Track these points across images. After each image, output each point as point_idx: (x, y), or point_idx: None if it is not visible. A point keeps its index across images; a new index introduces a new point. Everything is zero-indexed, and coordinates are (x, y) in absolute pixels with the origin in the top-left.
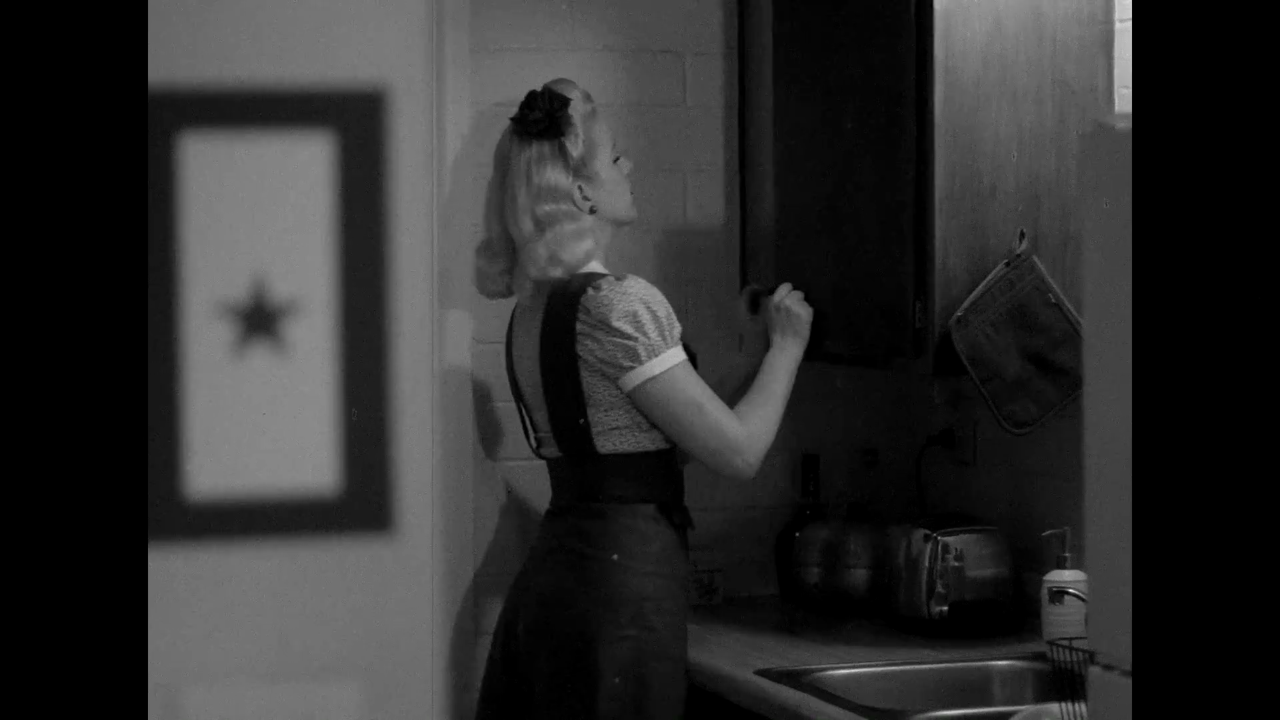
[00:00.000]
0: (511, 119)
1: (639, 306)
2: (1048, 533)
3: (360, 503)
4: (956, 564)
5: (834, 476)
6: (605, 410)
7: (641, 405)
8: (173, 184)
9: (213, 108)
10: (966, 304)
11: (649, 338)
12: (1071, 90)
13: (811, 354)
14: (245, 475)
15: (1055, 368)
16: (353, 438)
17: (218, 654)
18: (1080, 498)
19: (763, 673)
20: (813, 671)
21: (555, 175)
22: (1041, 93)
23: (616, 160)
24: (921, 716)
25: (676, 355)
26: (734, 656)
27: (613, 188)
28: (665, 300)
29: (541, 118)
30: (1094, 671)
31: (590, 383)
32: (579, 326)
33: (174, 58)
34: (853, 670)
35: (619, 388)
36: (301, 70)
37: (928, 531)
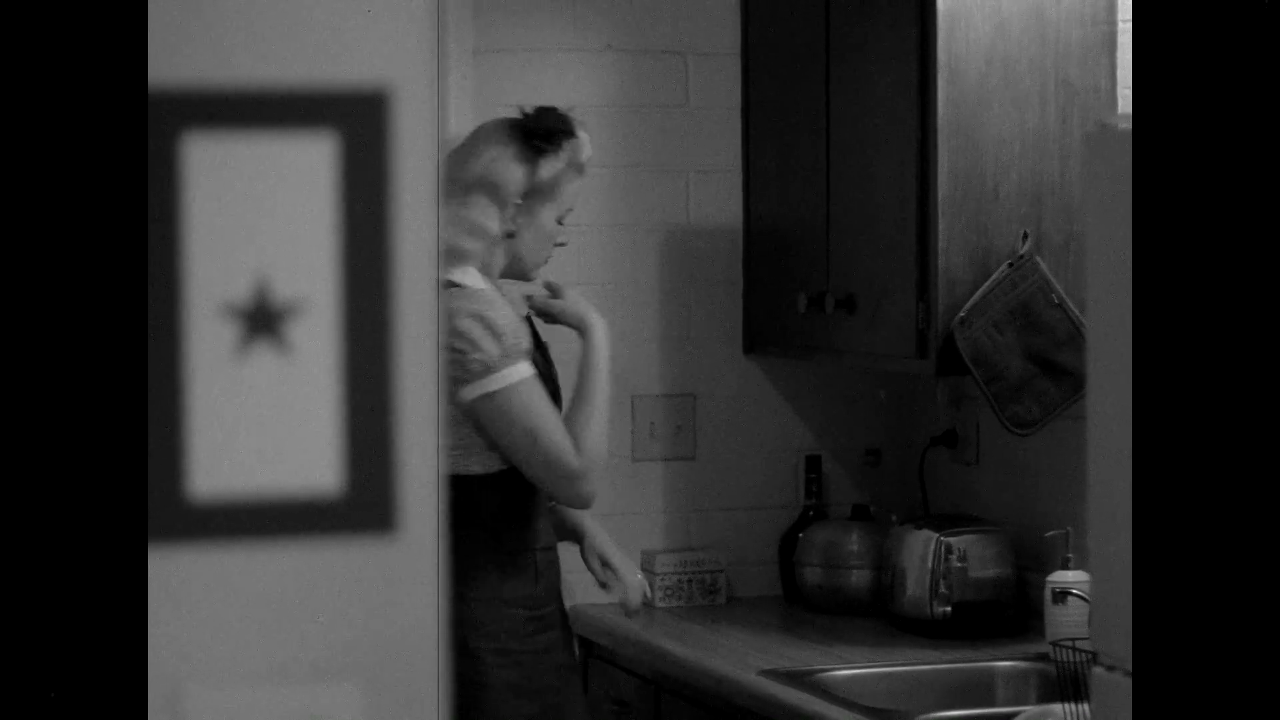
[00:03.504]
0: (514, 118)
1: (476, 319)
2: (1051, 533)
3: (363, 504)
4: (959, 564)
5: (837, 477)
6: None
7: (478, 422)
8: (175, 184)
9: (215, 108)
10: (969, 304)
11: (486, 351)
12: (1074, 91)
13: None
14: (247, 476)
15: (1058, 368)
16: (356, 438)
17: (219, 655)
18: (1083, 498)
19: (766, 673)
20: (816, 672)
21: (509, 176)
22: (1045, 94)
23: (560, 220)
24: (924, 717)
25: (516, 373)
26: (737, 657)
27: (540, 239)
28: (511, 313)
29: (541, 130)
30: (1097, 672)
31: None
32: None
33: (175, 57)
34: (856, 671)
35: (454, 403)
36: (304, 70)
37: (931, 532)
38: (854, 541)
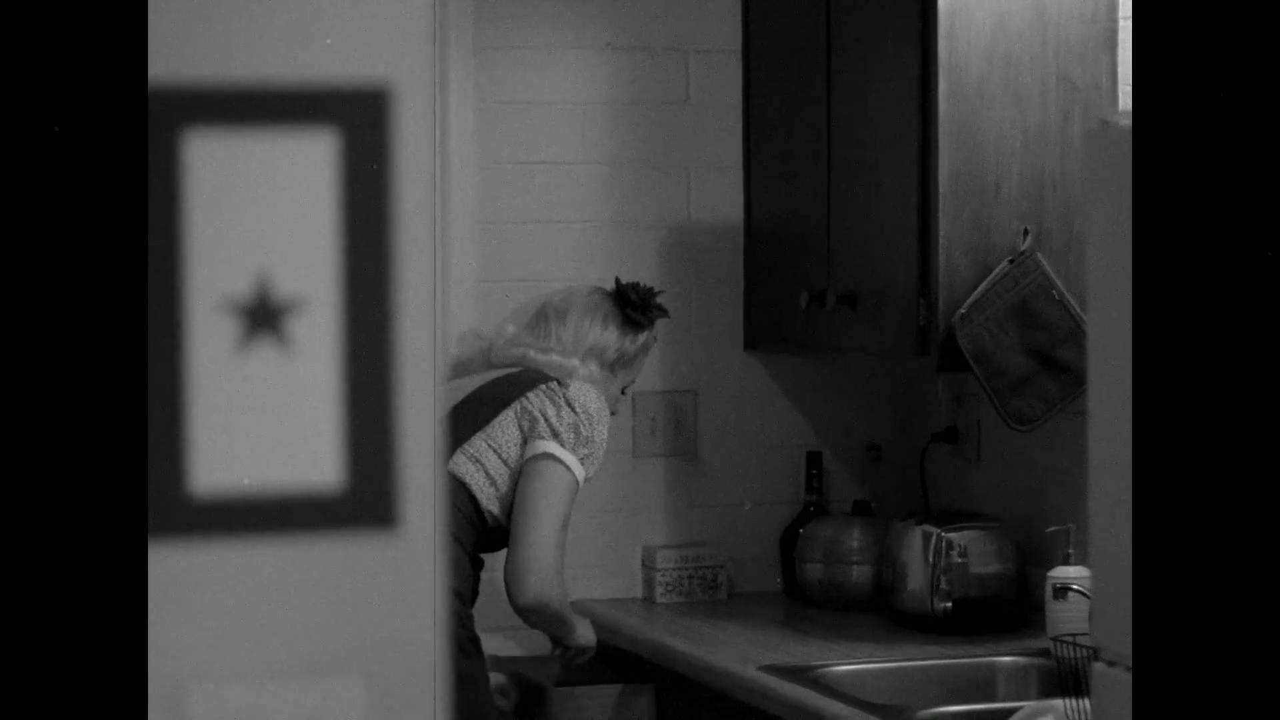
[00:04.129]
0: (621, 297)
1: (602, 421)
2: (1052, 529)
3: (364, 499)
4: (960, 560)
5: (838, 473)
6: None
7: (521, 478)
8: (175, 181)
9: (215, 104)
10: (970, 301)
11: (591, 439)
12: (1075, 88)
13: (825, 351)
14: (248, 472)
15: (1059, 364)
16: (356, 434)
17: (219, 651)
18: (1084, 494)
19: (766, 668)
20: (817, 668)
21: (604, 339)
22: (1045, 90)
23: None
24: (925, 713)
25: (579, 471)
26: (738, 652)
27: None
28: (606, 435)
29: (641, 317)
30: (1098, 668)
31: (500, 426)
32: (544, 387)
33: (176, 54)
34: (857, 666)
35: (525, 448)
36: (305, 68)
37: (931, 528)
38: (855, 537)
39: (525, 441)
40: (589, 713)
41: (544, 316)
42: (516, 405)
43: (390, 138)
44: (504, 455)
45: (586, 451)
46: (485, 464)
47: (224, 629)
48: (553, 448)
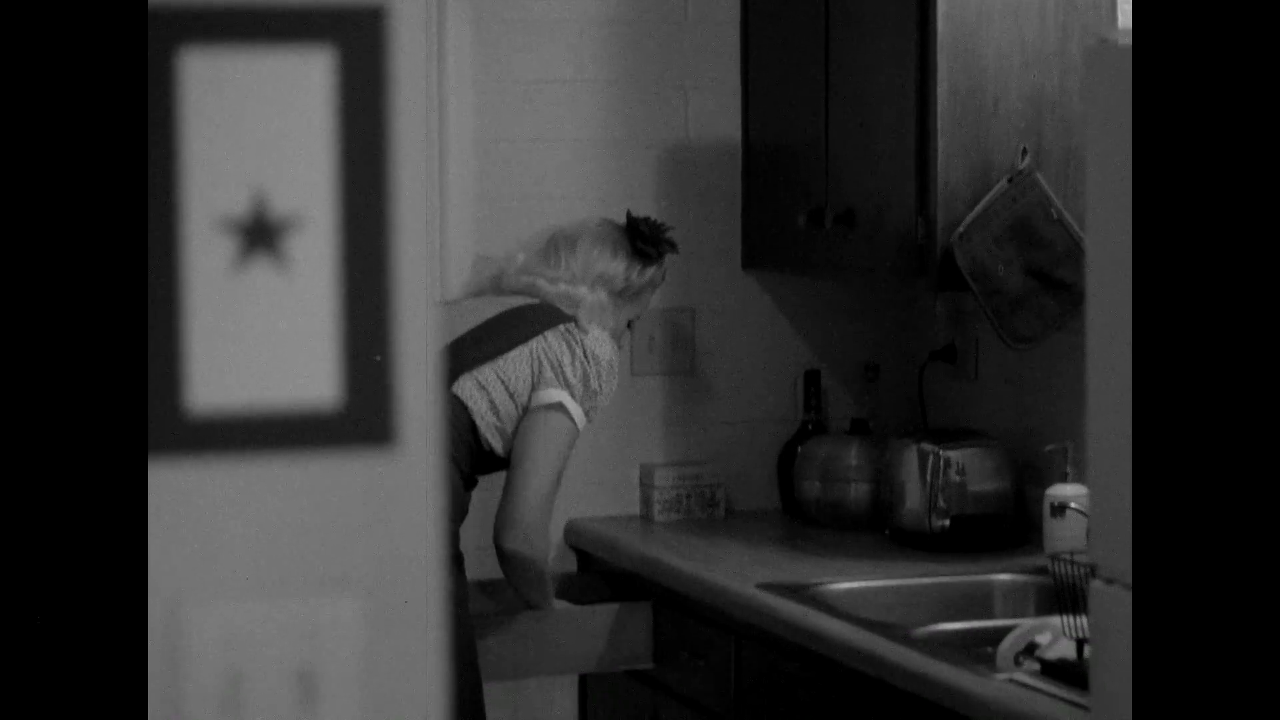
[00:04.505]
0: (633, 229)
1: (613, 374)
2: (1049, 447)
3: (360, 417)
4: (958, 478)
5: (836, 392)
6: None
7: (526, 421)
8: (172, 99)
9: (212, 23)
10: (969, 220)
11: (600, 391)
12: (1074, 5)
13: (830, 275)
14: (245, 390)
15: (1057, 283)
16: (353, 352)
17: (217, 568)
18: (1082, 412)
19: (764, 586)
20: (814, 585)
21: (612, 269)
22: (1044, 8)
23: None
24: (923, 630)
25: (582, 421)
26: (735, 570)
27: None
28: (614, 388)
29: (651, 249)
30: (1095, 585)
31: (513, 361)
32: (563, 329)
33: None
34: (854, 584)
35: (532, 396)
36: None
37: (929, 446)
38: (853, 456)
39: (535, 385)
40: (587, 631)
41: (554, 245)
42: (533, 344)
43: (387, 55)
44: (512, 391)
45: (593, 404)
46: (492, 394)
47: (221, 546)
48: (563, 397)
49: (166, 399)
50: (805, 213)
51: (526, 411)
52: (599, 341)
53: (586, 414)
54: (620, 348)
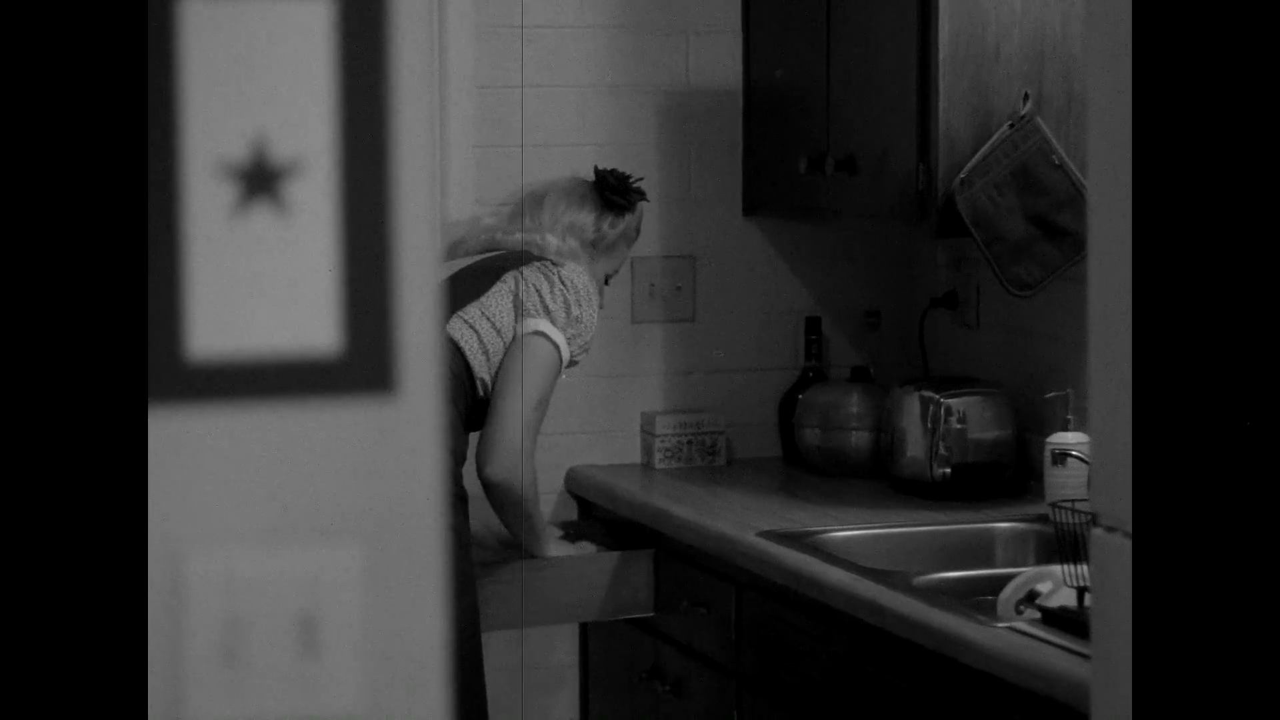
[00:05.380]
0: (600, 181)
1: (593, 301)
2: (1051, 394)
3: (362, 364)
4: (959, 426)
5: (836, 339)
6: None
7: (509, 350)
8: (172, 45)
9: None
10: (970, 166)
11: (580, 319)
12: None
13: (821, 215)
14: (246, 336)
15: (1059, 229)
16: (355, 298)
17: (219, 516)
18: (1083, 359)
19: (765, 534)
20: (815, 533)
21: (581, 219)
22: None
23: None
24: (923, 578)
25: (565, 350)
26: (736, 518)
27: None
28: (595, 320)
29: (620, 199)
30: (1096, 533)
31: (495, 296)
32: (539, 264)
33: None
34: (854, 532)
35: (518, 324)
36: None
37: (930, 393)
38: (853, 403)
39: (517, 317)
40: (588, 579)
41: (523, 204)
42: (511, 277)
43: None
44: (498, 324)
45: (575, 332)
46: (479, 331)
47: (222, 493)
48: (544, 325)
49: (167, 346)
50: (806, 159)
51: (511, 342)
52: (575, 272)
53: (569, 342)
54: (601, 306)
